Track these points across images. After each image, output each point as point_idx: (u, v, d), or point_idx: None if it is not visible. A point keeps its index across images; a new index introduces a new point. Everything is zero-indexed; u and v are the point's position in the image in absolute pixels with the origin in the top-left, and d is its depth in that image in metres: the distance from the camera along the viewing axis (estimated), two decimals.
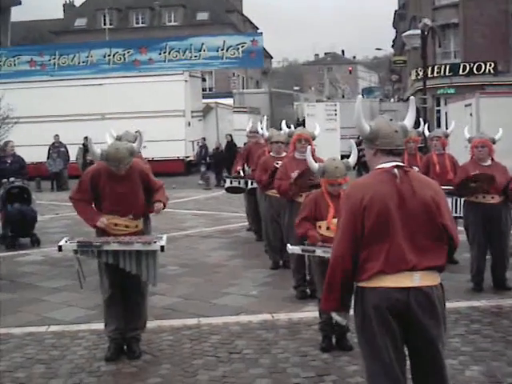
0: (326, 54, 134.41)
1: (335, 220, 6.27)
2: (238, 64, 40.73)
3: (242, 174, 13.67)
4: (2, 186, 13.89)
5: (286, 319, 8.13)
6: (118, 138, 8.82)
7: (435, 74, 42.18)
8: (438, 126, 37.37)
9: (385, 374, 4.16)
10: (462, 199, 9.89)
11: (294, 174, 9.02)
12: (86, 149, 26.17)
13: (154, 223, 8.30)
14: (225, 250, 13.00)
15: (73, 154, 27.34)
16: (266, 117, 15.22)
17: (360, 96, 4.86)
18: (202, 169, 28.65)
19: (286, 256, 10.22)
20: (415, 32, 30.45)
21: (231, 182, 14.11)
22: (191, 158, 32.01)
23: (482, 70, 41.14)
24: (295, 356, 6.82)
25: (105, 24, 66.26)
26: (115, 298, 6.95)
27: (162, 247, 6.77)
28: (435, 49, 42.95)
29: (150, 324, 7.66)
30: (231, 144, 27.68)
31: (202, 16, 69.05)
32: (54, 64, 38.57)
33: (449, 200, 8.44)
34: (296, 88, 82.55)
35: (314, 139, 9.30)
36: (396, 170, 4.28)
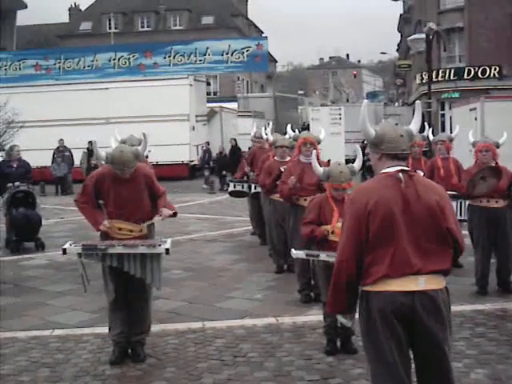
0: (330, 58, 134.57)
1: (339, 224, 6.27)
2: (243, 68, 40.77)
3: (248, 175, 13.57)
4: (7, 190, 13.90)
5: (290, 323, 8.13)
6: (123, 142, 8.82)
7: (440, 78, 42.12)
8: (443, 130, 37.32)
9: (390, 377, 4.15)
10: (467, 202, 9.89)
11: (292, 180, 9.05)
12: (90, 153, 26.20)
13: (158, 228, 8.30)
14: (229, 253, 13.00)
15: (77, 158, 27.36)
16: (271, 122, 15.23)
17: (366, 100, 4.86)
18: (206, 173, 28.66)
19: (290, 260, 10.22)
20: (420, 36, 30.46)
21: (235, 186, 14.11)
22: (195, 163, 32.00)
23: (487, 74, 41.11)
24: (300, 359, 6.82)
25: (110, 28, 66.40)
26: (119, 302, 6.96)
27: (167, 250, 6.78)
28: (440, 53, 42.91)
29: (155, 328, 7.67)
30: (235, 148, 27.68)
31: (207, 20, 69.12)
32: (60, 68, 38.69)
33: (453, 203, 8.44)
34: (300, 92, 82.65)
35: (319, 143, 9.31)
36: (401, 175, 4.28)
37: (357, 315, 4.42)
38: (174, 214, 7.14)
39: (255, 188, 13.02)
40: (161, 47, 38.85)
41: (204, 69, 37.93)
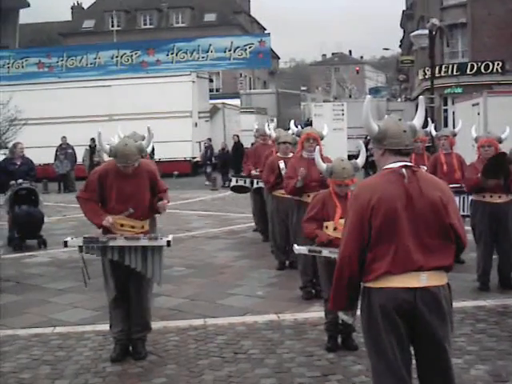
0: (333, 54, 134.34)
1: (342, 220, 6.24)
2: (246, 65, 40.80)
3: (254, 172, 13.47)
4: (10, 187, 13.90)
5: (291, 319, 8.12)
6: None
7: (443, 74, 42.09)
8: (446, 125, 37.28)
9: (390, 373, 4.15)
10: (470, 198, 9.88)
11: (302, 172, 8.97)
12: (92, 150, 26.24)
13: (159, 224, 8.33)
14: (231, 250, 13.00)
15: (80, 155, 27.39)
16: (275, 119, 15.20)
17: (369, 96, 4.84)
18: (208, 169, 28.67)
19: (292, 256, 10.23)
20: (423, 32, 30.41)
21: (237, 181, 14.11)
22: (198, 159, 32.01)
23: (490, 70, 41.05)
24: (301, 356, 6.81)
25: (112, 26, 66.28)
26: (120, 299, 6.95)
27: (169, 242, 6.81)
28: (443, 48, 42.89)
29: (156, 325, 7.67)
30: (238, 144, 27.67)
31: (210, 17, 69.07)
32: (62, 66, 38.73)
33: (456, 199, 8.42)
34: (303, 88, 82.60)
35: (322, 139, 9.28)
36: (404, 170, 4.26)
37: (358, 312, 4.41)
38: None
39: (257, 183, 13.00)
40: (163, 44, 38.86)
41: (206, 66, 37.95)
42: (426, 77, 40.33)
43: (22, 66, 38.87)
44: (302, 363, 6.61)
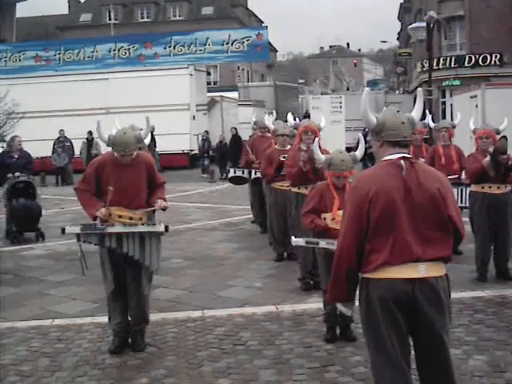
0: (331, 46, 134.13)
1: (340, 212, 6.27)
2: (243, 58, 40.78)
3: (252, 158, 13.38)
4: (7, 181, 13.89)
5: (290, 311, 8.14)
6: None
7: (440, 66, 42.04)
8: (444, 117, 37.23)
9: (389, 364, 4.16)
10: (468, 190, 9.89)
11: (304, 155, 8.92)
12: (89, 143, 26.23)
13: (157, 216, 8.30)
14: (229, 242, 13.01)
15: (78, 148, 27.41)
16: (274, 111, 15.19)
17: (367, 88, 4.82)
18: (206, 162, 28.67)
19: (290, 248, 10.23)
20: (421, 24, 30.41)
21: (235, 172, 14.12)
22: (196, 152, 32.00)
23: (488, 62, 41.02)
24: (299, 347, 6.83)
25: (110, 19, 66.16)
26: (118, 291, 6.94)
27: (167, 227, 6.82)
28: (441, 41, 42.85)
29: (155, 316, 7.68)
30: (236, 137, 27.65)
31: (207, 10, 69.00)
32: (59, 59, 38.69)
33: (454, 190, 8.42)
34: (301, 81, 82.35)
35: (320, 131, 9.28)
36: (402, 162, 4.26)
37: (357, 303, 4.42)
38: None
39: (255, 173, 13.00)
40: (161, 38, 38.82)
41: (204, 59, 37.91)
42: (424, 69, 40.28)
43: (20, 60, 38.80)
44: (301, 354, 6.62)
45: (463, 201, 10.21)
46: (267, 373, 6.18)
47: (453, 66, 42.21)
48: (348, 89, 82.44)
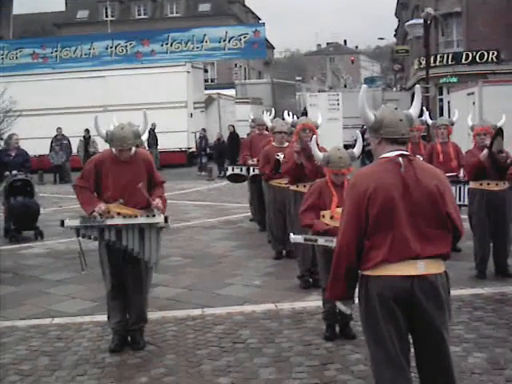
0: (328, 44, 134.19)
1: (339, 209, 6.26)
2: (241, 55, 40.69)
3: (251, 162, 13.42)
4: (5, 179, 13.88)
5: (289, 309, 8.14)
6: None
7: (438, 63, 42.02)
8: (441, 114, 37.24)
9: (389, 361, 4.16)
10: (466, 187, 9.90)
11: (297, 146, 8.93)
12: (86, 141, 26.21)
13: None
14: (228, 240, 13.01)
15: (75, 146, 27.38)
16: (273, 109, 15.20)
17: (365, 85, 4.83)
18: (203, 160, 28.67)
19: (289, 246, 10.23)
20: (418, 21, 30.35)
21: (233, 169, 14.13)
22: (193, 150, 31.99)
23: (485, 59, 41.01)
24: (299, 345, 6.84)
25: (107, 16, 66.21)
26: (118, 290, 6.94)
27: (166, 218, 6.81)
28: (438, 38, 42.79)
29: (154, 315, 7.69)
30: (234, 135, 27.64)
31: (204, 7, 68.94)
32: (56, 57, 38.59)
33: (452, 188, 8.43)
34: (298, 78, 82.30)
35: (317, 128, 9.28)
36: (400, 159, 4.27)
37: (356, 300, 4.42)
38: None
39: (253, 170, 13.00)
40: (158, 35, 38.71)
41: (201, 56, 37.82)
42: (421, 66, 40.25)
43: (16, 57, 38.71)
44: (301, 352, 6.63)
45: (462, 199, 10.23)
46: (267, 371, 6.18)
47: (450, 63, 42.20)
48: (345, 86, 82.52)
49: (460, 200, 10.16)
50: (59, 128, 27.65)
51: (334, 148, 7.25)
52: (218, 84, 52.72)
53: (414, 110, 4.65)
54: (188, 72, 32.50)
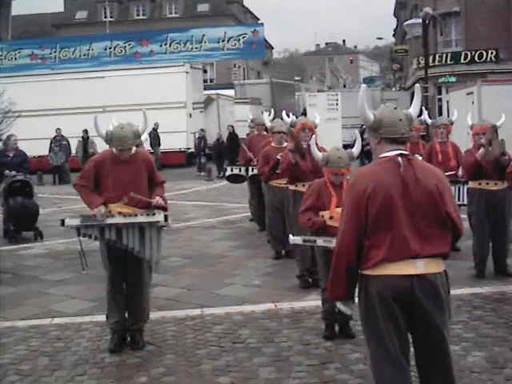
0: (327, 44, 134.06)
1: (338, 209, 6.27)
2: (240, 55, 40.69)
3: (254, 161, 13.36)
4: (4, 180, 13.88)
5: (288, 308, 8.14)
6: None
7: (437, 63, 42.02)
8: (440, 114, 37.26)
9: (389, 360, 4.17)
10: (465, 187, 9.91)
11: (292, 147, 8.95)
12: (85, 142, 26.18)
13: None
14: (227, 240, 13.01)
15: (75, 147, 27.33)
16: (272, 110, 15.20)
17: (364, 85, 4.83)
18: (202, 160, 28.67)
19: (288, 246, 10.23)
20: (416, 21, 30.35)
21: (232, 170, 14.13)
22: (192, 150, 32.00)
23: (484, 58, 40.99)
24: (298, 344, 6.84)
25: (105, 16, 66.16)
26: (118, 290, 6.95)
27: (166, 216, 6.81)
28: (437, 37, 42.82)
29: (154, 315, 7.67)
30: (233, 135, 27.62)
31: (203, 7, 68.91)
32: (55, 57, 38.61)
33: (452, 188, 8.43)
34: (297, 78, 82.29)
35: (315, 127, 9.29)
36: (400, 159, 4.27)
37: (356, 300, 4.43)
38: (164, 209, 7.05)
39: (252, 170, 12.99)
40: (157, 35, 38.72)
41: (200, 56, 37.83)
42: (420, 66, 40.27)
43: (15, 58, 38.73)
44: (300, 352, 6.63)
45: (461, 198, 10.23)
46: (266, 370, 6.18)
47: (449, 62, 42.20)
48: (345, 86, 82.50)
49: (459, 200, 10.17)
50: (58, 129, 27.64)
51: (334, 148, 7.25)
52: (217, 84, 52.65)
53: (413, 110, 4.65)
54: (187, 72, 32.49)
